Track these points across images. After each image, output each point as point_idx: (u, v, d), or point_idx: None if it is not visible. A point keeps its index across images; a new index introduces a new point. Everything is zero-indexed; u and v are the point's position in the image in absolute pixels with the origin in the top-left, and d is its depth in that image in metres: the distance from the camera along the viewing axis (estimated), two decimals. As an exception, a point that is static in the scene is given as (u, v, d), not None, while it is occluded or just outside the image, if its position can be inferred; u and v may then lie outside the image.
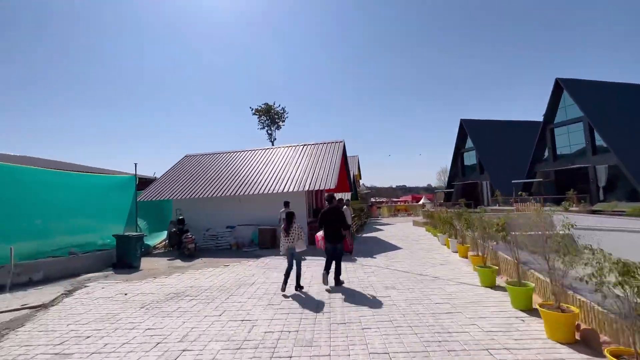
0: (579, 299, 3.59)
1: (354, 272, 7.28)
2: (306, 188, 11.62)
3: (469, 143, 36.00)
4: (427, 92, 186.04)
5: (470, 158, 36.57)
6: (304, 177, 12.41)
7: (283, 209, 9.82)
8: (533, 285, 4.64)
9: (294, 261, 5.74)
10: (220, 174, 14.26)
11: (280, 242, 5.88)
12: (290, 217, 5.83)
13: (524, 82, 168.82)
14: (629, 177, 20.58)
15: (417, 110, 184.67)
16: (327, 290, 5.65)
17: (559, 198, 22.59)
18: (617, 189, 22.15)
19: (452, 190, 38.50)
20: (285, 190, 11.71)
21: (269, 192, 11.86)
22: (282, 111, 39.25)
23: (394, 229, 18.59)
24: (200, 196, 12.59)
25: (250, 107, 41.71)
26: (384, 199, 51.48)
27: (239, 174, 13.88)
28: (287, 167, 13.66)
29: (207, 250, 11.93)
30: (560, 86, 25.02)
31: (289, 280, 5.71)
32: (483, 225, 7.34)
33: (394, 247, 11.17)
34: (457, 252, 9.45)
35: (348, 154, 17.52)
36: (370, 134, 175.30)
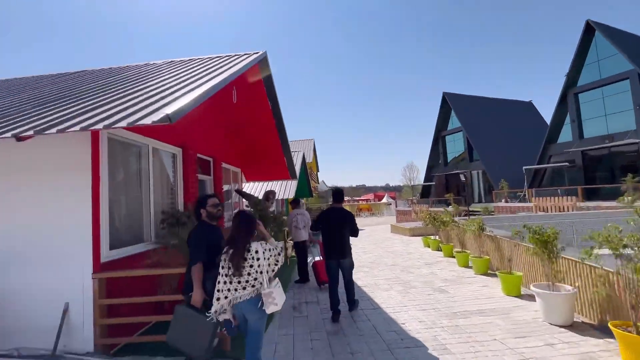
0: None
1: None
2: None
3: (452, 124, 28.27)
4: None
5: (453, 144, 28.84)
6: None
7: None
8: None
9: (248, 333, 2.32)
10: None
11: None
12: (245, 229, 2.28)
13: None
14: None
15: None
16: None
17: (606, 188, 15.17)
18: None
19: (432, 183, 30.60)
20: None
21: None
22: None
23: (368, 242, 9.73)
24: None
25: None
26: (345, 198, 43.53)
27: None
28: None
29: None
30: (591, 29, 17.70)
31: None
32: None
33: None
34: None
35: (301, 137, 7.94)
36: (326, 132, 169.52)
